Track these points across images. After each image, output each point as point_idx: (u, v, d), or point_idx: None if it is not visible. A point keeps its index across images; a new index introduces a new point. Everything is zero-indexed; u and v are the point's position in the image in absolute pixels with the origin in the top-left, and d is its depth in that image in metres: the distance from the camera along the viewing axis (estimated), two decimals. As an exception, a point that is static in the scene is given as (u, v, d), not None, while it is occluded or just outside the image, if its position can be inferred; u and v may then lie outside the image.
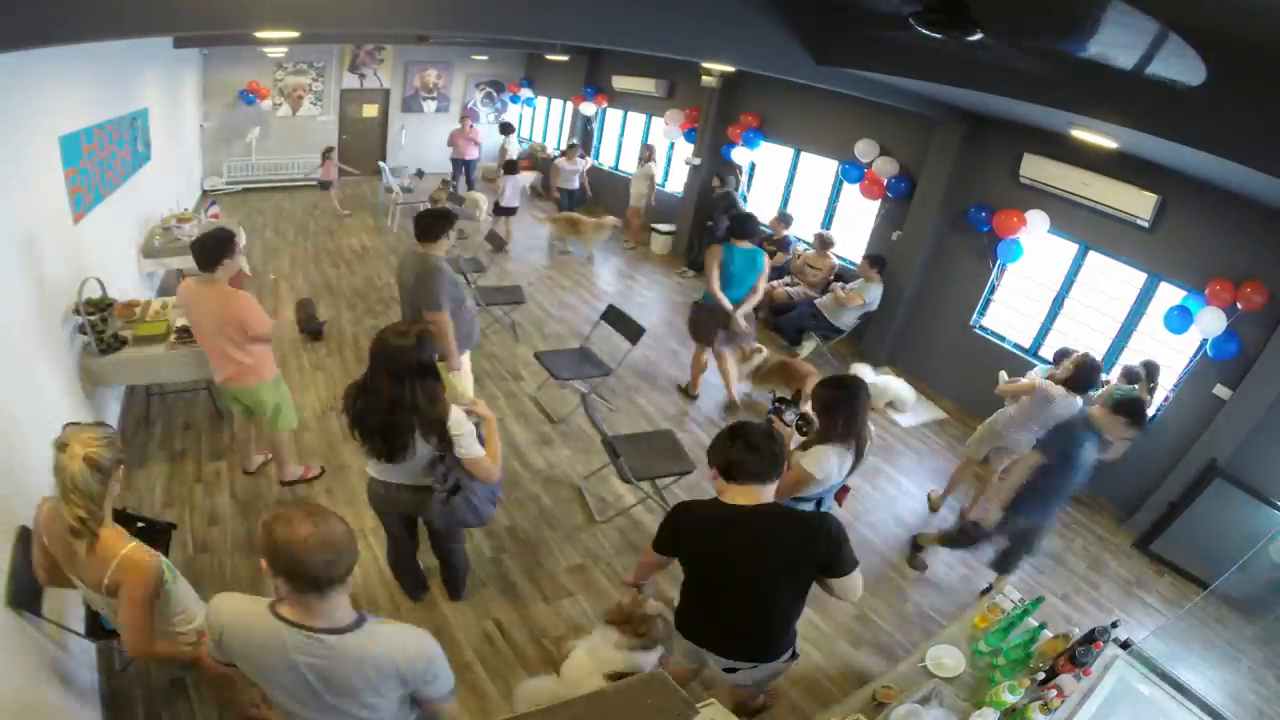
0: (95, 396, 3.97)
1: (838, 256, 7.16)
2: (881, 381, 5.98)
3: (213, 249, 3.28)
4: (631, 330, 5.12)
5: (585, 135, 11.69)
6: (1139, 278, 5.07)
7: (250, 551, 3.59)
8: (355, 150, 11.72)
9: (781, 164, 8.20)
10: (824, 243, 7.08)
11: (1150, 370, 4.65)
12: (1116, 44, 2.90)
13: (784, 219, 7.50)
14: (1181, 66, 2.75)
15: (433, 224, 3.74)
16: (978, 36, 2.83)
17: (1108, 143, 4.34)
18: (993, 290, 6.04)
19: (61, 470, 1.87)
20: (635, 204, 9.51)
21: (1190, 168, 4.29)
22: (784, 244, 7.44)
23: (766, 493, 2.10)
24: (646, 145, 9.60)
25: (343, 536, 1.50)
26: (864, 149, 6.77)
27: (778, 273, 7.32)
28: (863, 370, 6.07)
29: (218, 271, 3.30)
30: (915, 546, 4.20)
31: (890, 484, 4.99)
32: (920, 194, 6.34)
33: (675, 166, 9.91)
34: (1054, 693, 2.24)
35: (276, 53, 10.04)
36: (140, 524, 2.92)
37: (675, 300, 7.99)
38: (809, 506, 2.86)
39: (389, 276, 7.67)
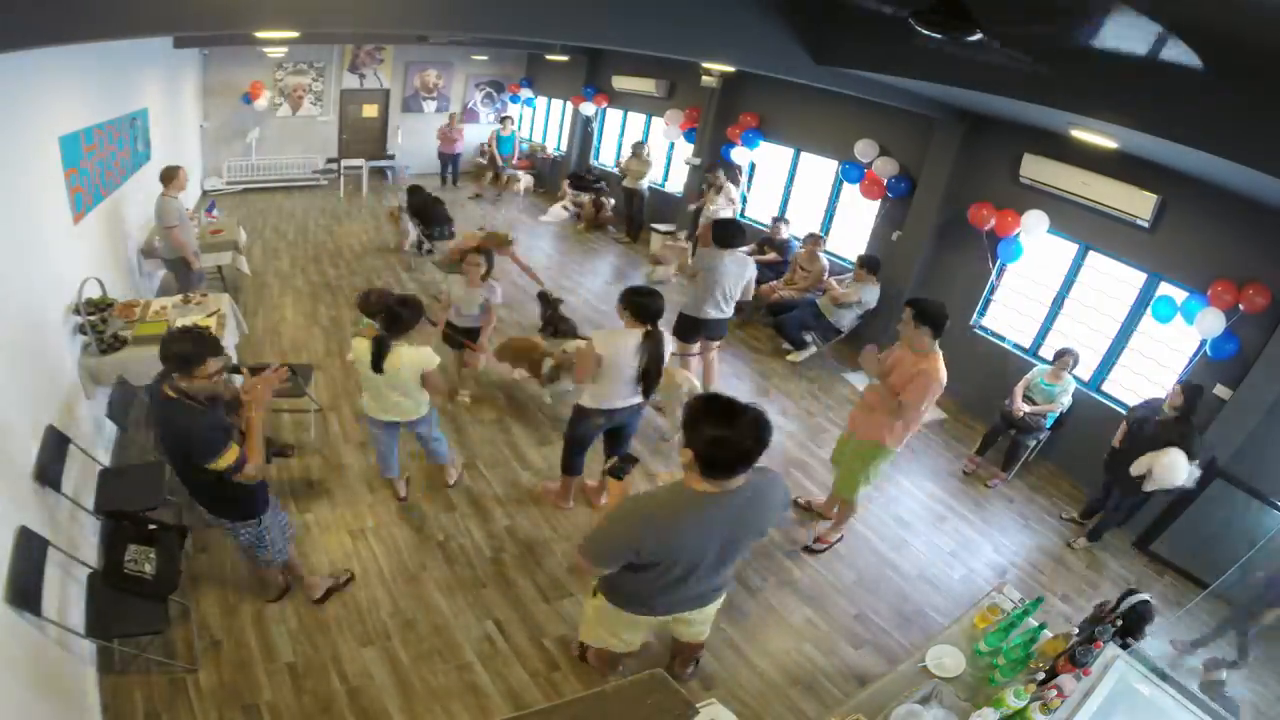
0: (95, 396, 3.97)
1: (834, 256, 7.15)
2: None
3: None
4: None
5: (585, 135, 11.67)
6: (1139, 278, 5.07)
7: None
8: (355, 151, 11.71)
9: (781, 164, 8.19)
10: (814, 242, 6.95)
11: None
12: (1115, 39, 2.90)
13: (782, 221, 7.45)
14: (1179, 53, 2.74)
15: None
16: (977, 36, 2.84)
17: (1108, 143, 4.33)
18: (993, 290, 6.04)
19: None
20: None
21: (1190, 168, 4.29)
22: (784, 247, 7.41)
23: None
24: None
25: None
26: (864, 149, 6.77)
27: (777, 275, 7.31)
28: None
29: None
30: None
31: (890, 484, 4.98)
32: (920, 194, 6.34)
33: (675, 166, 9.92)
34: (1054, 693, 2.24)
35: (276, 53, 10.03)
36: (152, 526, 2.94)
37: (673, 300, 7.96)
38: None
39: (389, 276, 7.68)
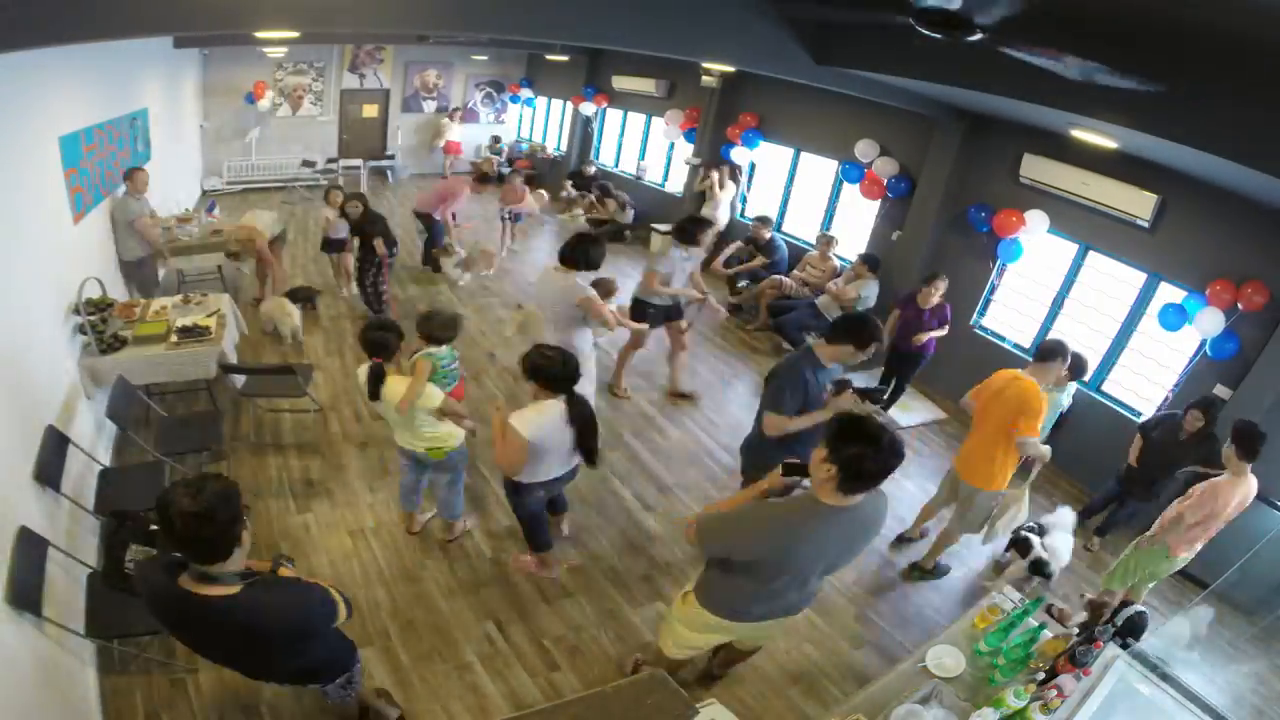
0: (95, 396, 3.97)
1: (838, 257, 7.17)
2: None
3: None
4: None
5: (585, 136, 11.66)
6: (1139, 278, 5.07)
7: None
8: (355, 151, 11.72)
9: (781, 164, 8.19)
10: (826, 243, 7.09)
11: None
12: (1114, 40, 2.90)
13: (764, 222, 7.42)
14: (1179, 54, 2.75)
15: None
16: (977, 36, 2.84)
17: (1108, 143, 4.34)
18: (993, 290, 6.04)
19: None
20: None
21: (1190, 168, 4.29)
22: (769, 247, 7.40)
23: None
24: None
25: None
26: (864, 149, 6.77)
27: (768, 275, 7.33)
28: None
29: None
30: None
31: (889, 483, 4.96)
32: (920, 194, 6.34)
33: (676, 166, 9.91)
34: (1054, 693, 2.24)
35: (276, 53, 10.02)
36: (153, 526, 2.93)
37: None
38: None
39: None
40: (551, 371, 2.85)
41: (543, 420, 2.88)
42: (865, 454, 1.94)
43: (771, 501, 2.25)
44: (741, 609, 2.37)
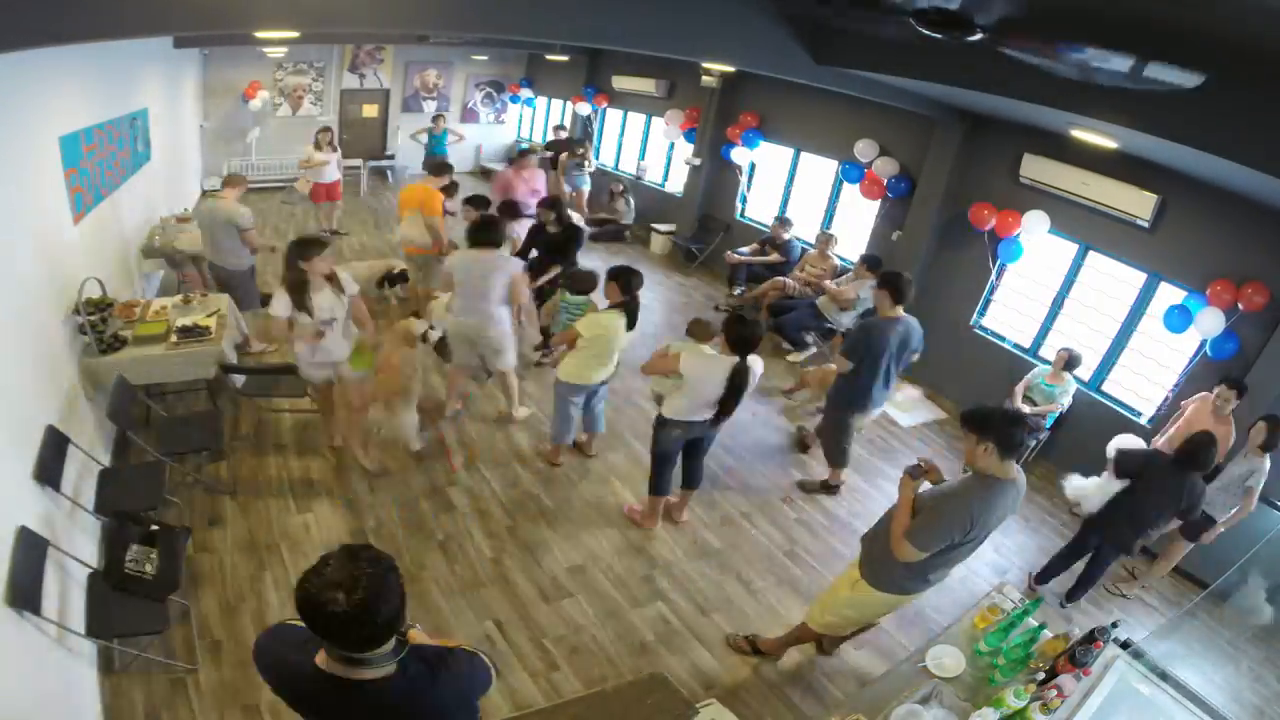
0: (95, 397, 3.97)
1: (838, 257, 7.17)
2: None
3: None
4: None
5: (585, 136, 11.64)
6: (1139, 278, 5.07)
7: (251, 551, 3.60)
8: (355, 151, 11.71)
9: (781, 164, 8.19)
10: (826, 242, 7.09)
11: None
12: (1110, 60, 2.90)
13: (784, 222, 7.49)
14: (1177, 74, 2.75)
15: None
16: (977, 36, 2.84)
17: (1108, 143, 4.33)
18: (993, 290, 6.04)
19: None
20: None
21: (1190, 168, 4.29)
22: (785, 248, 7.44)
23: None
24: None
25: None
26: (864, 149, 6.77)
27: (770, 275, 7.35)
28: None
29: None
30: None
31: (890, 484, 4.98)
32: (920, 194, 6.34)
33: (676, 166, 9.92)
34: (1054, 693, 2.24)
35: (276, 53, 10.02)
36: (154, 526, 2.94)
37: (676, 300, 7.99)
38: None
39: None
40: (738, 333, 3.37)
41: (702, 364, 3.43)
42: (1016, 417, 2.50)
43: (954, 486, 2.59)
44: (925, 580, 2.71)
